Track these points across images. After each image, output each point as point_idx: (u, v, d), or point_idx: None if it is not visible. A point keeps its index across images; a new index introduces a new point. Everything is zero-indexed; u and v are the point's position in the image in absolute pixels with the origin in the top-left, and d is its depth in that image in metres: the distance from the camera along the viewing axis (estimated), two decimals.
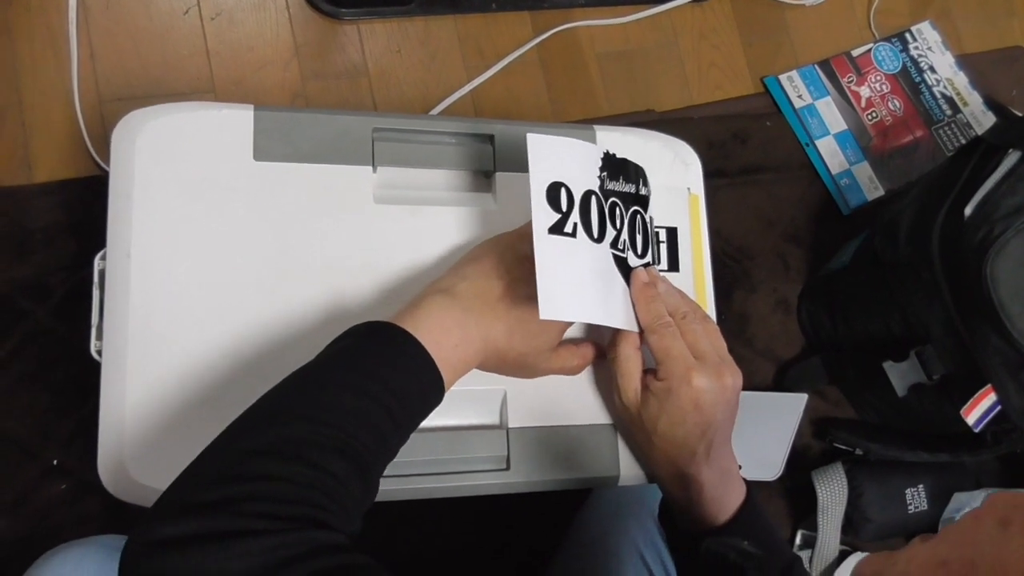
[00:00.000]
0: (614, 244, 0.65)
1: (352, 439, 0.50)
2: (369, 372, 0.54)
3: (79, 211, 1.01)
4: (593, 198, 0.64)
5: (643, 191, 0.71)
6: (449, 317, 0.59)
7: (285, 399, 0.53)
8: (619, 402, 0.67)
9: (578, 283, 0.61)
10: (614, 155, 0.67)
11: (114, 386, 0.61)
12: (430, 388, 0.56)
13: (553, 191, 0.61)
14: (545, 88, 1.23)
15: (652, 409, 0.64)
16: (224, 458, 0.49)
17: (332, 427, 0.50)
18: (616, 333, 0.67)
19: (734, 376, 0.64)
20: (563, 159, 0.63)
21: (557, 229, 0.61)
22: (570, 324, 0.67)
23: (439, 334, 0.57)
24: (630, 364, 0.66)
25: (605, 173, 0.66)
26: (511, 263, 0.63)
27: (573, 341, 0.69)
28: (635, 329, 0.65)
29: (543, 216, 0.60)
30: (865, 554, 1.13)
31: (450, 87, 1.19)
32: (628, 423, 0.68)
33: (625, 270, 0.66)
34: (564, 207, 0.61)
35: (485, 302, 0.61)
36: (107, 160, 0.66)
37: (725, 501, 0.65)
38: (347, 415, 0.51)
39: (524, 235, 0.68)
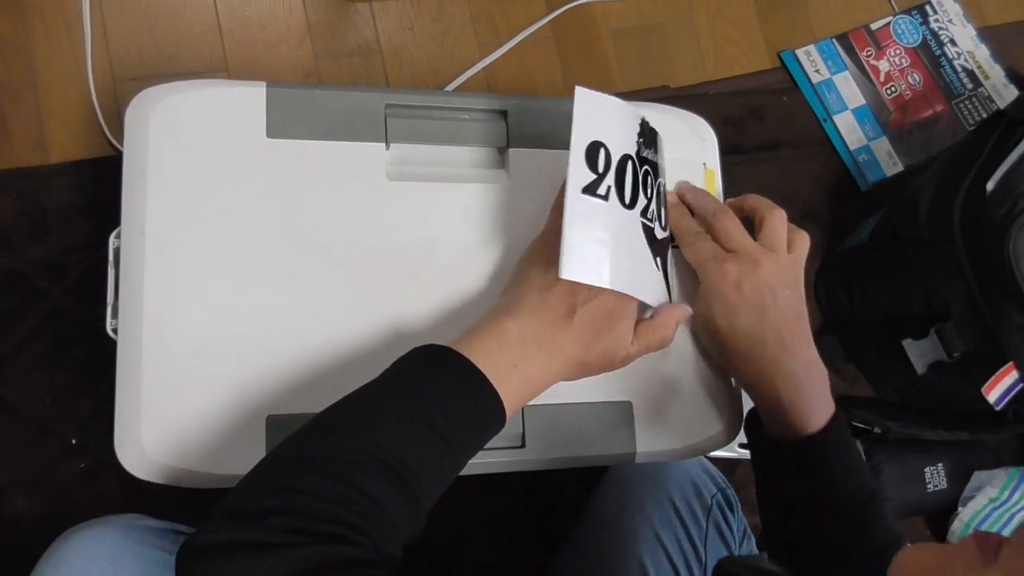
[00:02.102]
0: (644, 213, 0.64)
1: (397, 462, 0.50)
2: (423, 395, 0.53)
3: (94, 191, 1.01)
4: (629, 163, 0.63)
5: (663, 163, 0.70)
6: (506, 337, 0.58)
7: (338, 418, 0.53)
8: (695, 322, 0.69)
9: (605, 247, 0.59)
10: (648, 123, 0.66)
11: (130, 364, 0.61)
12: (488, 410, 0.55)
13: (593, 150, 0.60)
14: (559, 64, 1.22)
15: (704, 310, 0.66)
16: (272, 470, 0.50)
17: (377, 448, 0.49)
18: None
19: (776, 263, 0.65)
20: (607, 118, 0.61)
21: (591, 190, 0.59)
22: (639, 303, 0.65)
23: (496, 355, 0.56)
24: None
25: (642, 140, 0.65)
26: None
27: (649, 315, 0.67)
28: (648, 300, 0.64)
29: (580, 174, 0.59)
30: None
31: (463, 64, 1.18)
32: (704, 339, 0.70)
33: (652, 242, 0.65)
34: (601, 168, 0.60)
35: (544, 319, 0.60)
36: (121, 140, 0.66)
37: (814, 409, 0.65)
38: (396, 438, 0.51)
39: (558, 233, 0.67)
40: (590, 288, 0.60)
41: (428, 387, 0.54)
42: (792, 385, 0.64)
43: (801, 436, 0.65)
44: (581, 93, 0.60)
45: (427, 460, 0.51)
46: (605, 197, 0.60)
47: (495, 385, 0.55)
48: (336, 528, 0.46)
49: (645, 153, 0.65)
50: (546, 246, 0.64)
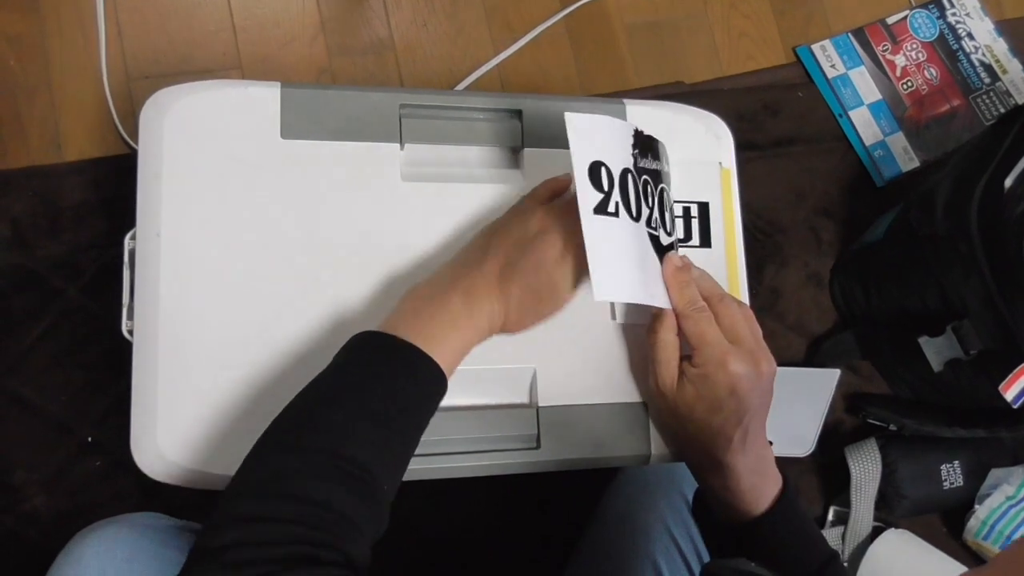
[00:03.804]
0: (648, 222, 0.64)
1: (351, 464, 0.50)
2: (366, 388, 0.54)
3: (109, 189, 1.01)
4: (629, 176, 0.63)
5: (666, 168, 0.70)
6: (432, 305, 0.59)
7: (287, 428, 0.53)
8: (655, 388, 0.66)
9: (625, 262, 0.61)
10: (642, 132, 0.66)
11: (145, 366, 0.61)
12: (431, 385, 0.56)
13: (595, 170, 0.60)
14: (573, 61, 1.21)
15: (688, 396, 0.63)
16: (231, 499, 0.50)
17: (329, 454, 0.50)
18: (654, 318, 0.66)
19: (769, 362, 0.63)
20: (601, 137, 0.62)
21: (601, 209, 0.60)
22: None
23: (429, 325, 0.57)
24: (668, 350, 0.65)
25: (637, 151, 0.65)
26: (507, 243, 0.63)
27: None
28: (667, 307, 0.65)
29: (588, 196, 0.60)
30: (901, 530, 1.12)
31: (477, 61, 1.17)
32: (663, 410, 0.67)
33: (658, 248, 0.65)
34: (606, 186, 0.61)
35: (477, 283, 0.61)
36: (136, 139, 0.66)
37: (762, 490, 0.64)
38: (347, 439, 0.51)
39: (519, 212, 0.67)
40: (536, 270, 0.61)
41: (369, 378, 0.54)
42: (746, 476, 0.64)
43: (751, 518, 0.64)
44: (571, 118, 0.61)
45: (380, 453, 0.52)
46: (616, 214, 0.61)
47: (433, 356, 0.56)
48: (298, 549, 0.46)
49: (642, 163, 0.66)
50: (503, 224, 0.65)
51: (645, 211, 0.64)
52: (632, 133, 0.65)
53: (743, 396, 0.61)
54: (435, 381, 0.57)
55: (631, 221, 0.62)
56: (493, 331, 0.62)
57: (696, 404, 0.63)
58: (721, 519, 0.67)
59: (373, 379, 0.54)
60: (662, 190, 0.68)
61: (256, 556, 0.45)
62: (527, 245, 0.62)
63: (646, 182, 0.65)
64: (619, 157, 0.63)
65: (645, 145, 0.67)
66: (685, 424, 0.64)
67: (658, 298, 0.63)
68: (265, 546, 0.45)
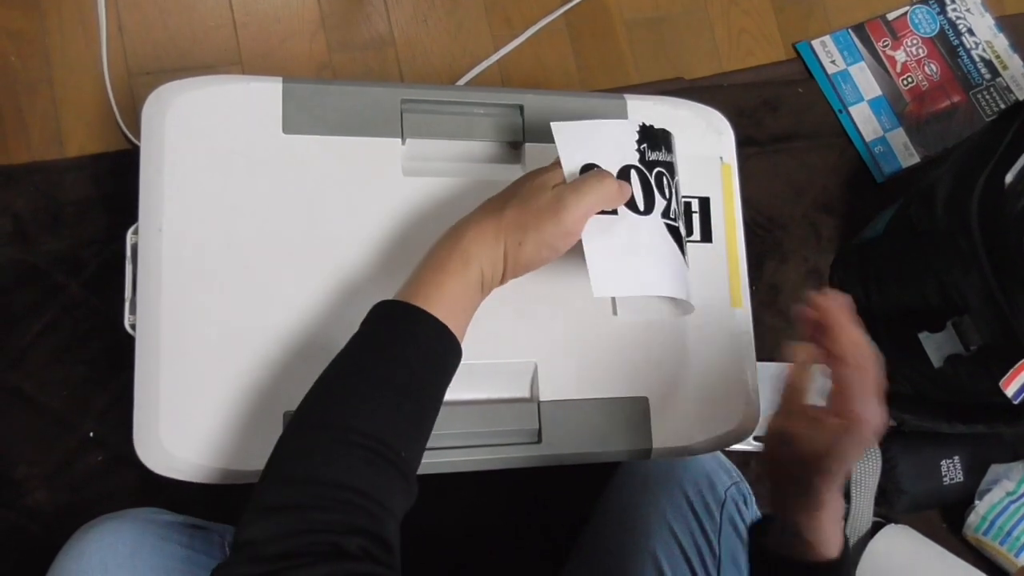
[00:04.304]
0: (665, 213, 0.65)
1: (376, 442, 0.50)
2: (384, 362, 0.54)
3: (110, 185, 1.01)
4: (633, 172, 0.63)
5: (674, 159, 0.70)
6: (426, 260, 0.59)
7: (301, 406, 0.54)
8: (778, 415, 0.63)
9: (625, 257, 0.61)
10: (651, 126, 0.66)
11: (148, 360, 0.61)
12: (446, 351, 0.57)
13: (586, 171, 0.61)
14: (573, 56, 1.21)
15: (819, 443, 0.60)
16: (261, 488, 0.50)
17: (355, 433, 0.50)
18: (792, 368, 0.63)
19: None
20: (591, 141, 0.63)
21: None
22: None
23: (425, 283, 0.57)
24: (803, 377, 0.63)
25: (645, 145, 0.65)
26: (503, 192, 0.63)
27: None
28: (683, 296, 0.64)
29: None
30: (901, 526, 1.12)
31: (477, 57, 1.17)
32: (777, 434, 0.63)
33: (678, 239, 0.65)
34: None
35: (471, 225, 0.60)
36: (137, 134, 0.66)
37: (838, 531, 0.63)
38: (370, 417, 0.51)
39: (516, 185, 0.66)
40: (536, 191, 0.60)
41: (388, 351, 0.55)
42: (832, 512, 0.62)
43: (827, 560, 0.62)
44: (557, 128, 0.62)
45: (390, 419, 0.52)
46: (614, 211, 0.61)
47: (446, 322, 0.56)
48: (320, 539, 0.46)
49: (652, 156, 0.66)
50: (498, 196, 0.64)
51: (661, 203, 0.64)
52: (636, 129, 0.65)
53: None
54: (452, 349, 0.57)
55: (636, 216, 0.62)
56: (496, 271, 0.59)
57: (830, 454, 0.60)
58: (793, 555, 0.64)
59: (375, 345, 0.55)
60: (677, 182, 0.69)
61: (279, 551, 0.45)
62: (525, 181, 0.62)
63: (660, 174, 0.66)
64: (615, 156, 0.63)
65: (655, 138, 0.67)
66: (803, 460, 0.61)
67: (672, 287, 0.64)
68: (288, 538, 0.46)
